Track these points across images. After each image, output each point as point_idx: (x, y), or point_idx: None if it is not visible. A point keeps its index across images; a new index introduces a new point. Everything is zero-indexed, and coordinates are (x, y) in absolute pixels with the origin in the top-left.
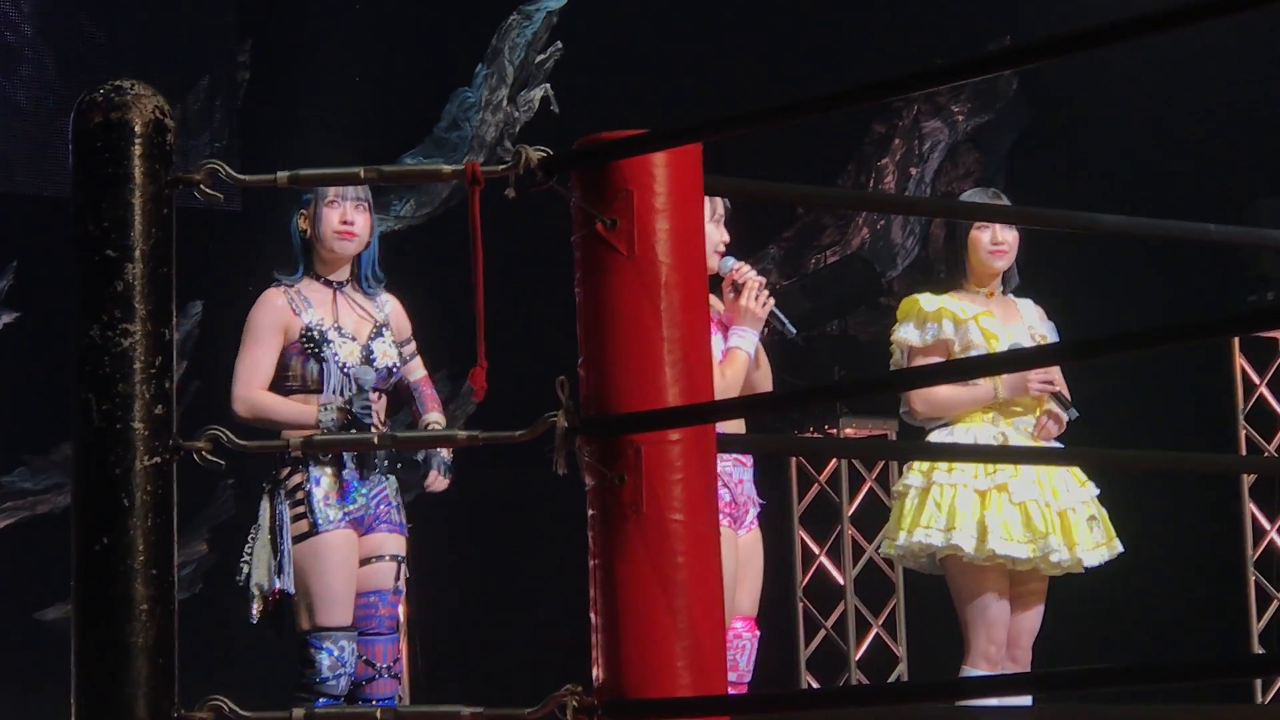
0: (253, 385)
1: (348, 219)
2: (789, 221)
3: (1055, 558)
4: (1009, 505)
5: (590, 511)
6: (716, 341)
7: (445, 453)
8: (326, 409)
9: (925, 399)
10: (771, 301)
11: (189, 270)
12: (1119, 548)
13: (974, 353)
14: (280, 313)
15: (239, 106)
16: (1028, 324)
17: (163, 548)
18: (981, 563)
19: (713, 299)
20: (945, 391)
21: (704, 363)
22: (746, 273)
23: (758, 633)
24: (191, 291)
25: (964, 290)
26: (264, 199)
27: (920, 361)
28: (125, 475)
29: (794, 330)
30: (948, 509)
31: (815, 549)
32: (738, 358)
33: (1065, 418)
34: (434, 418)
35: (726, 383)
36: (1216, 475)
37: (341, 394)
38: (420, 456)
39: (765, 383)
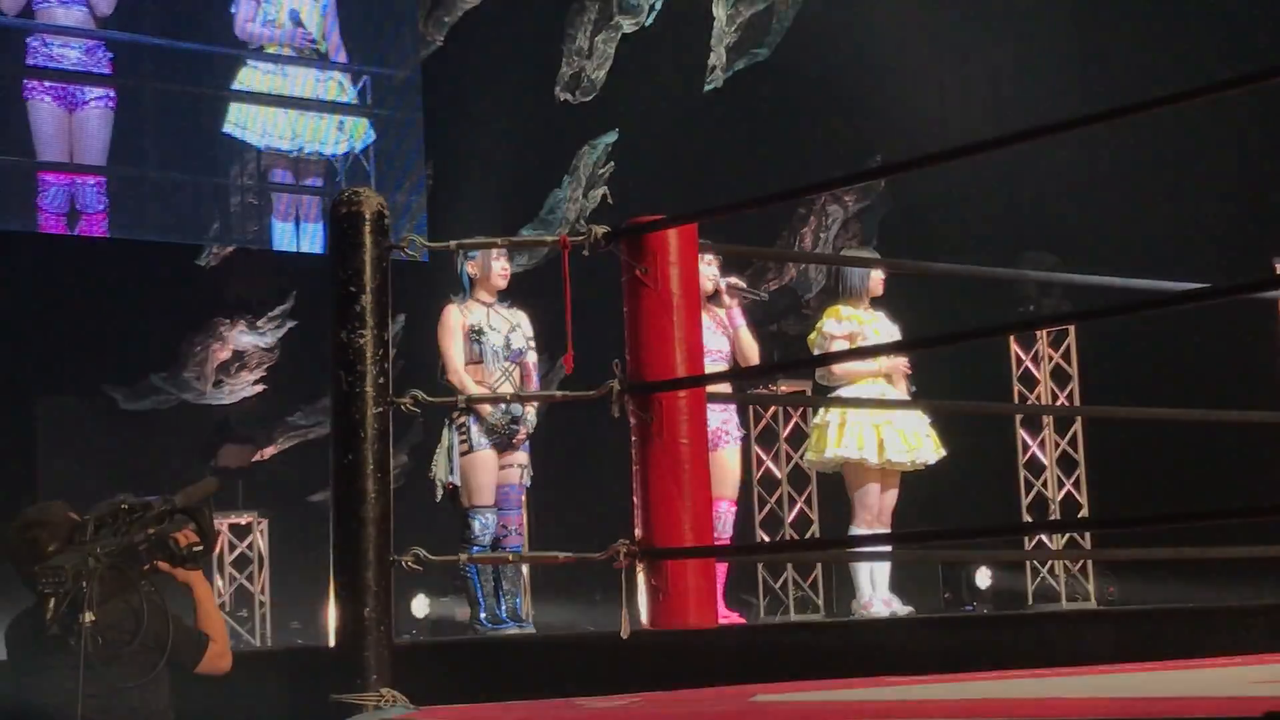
0: (460, 366)
1: (505, 269)
2: (747, 265)
3: (918, 460)
4: (893, 431)
5: (633, 438)
6: (717, 338)
7: (532, 415)
8: (493, 415)
9: (841, 367)
10: (740, 283)
11: (397, 297)
12: (943, 452)
13: (868, 342)
14: (457, 317)
15: (427, 200)
16: (885, 327)
17: (383, 460)
18: (873, 466)
19: (715, 309)
20: (850, 365)
21: (698, 350)
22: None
23: (735, 509)
24: (399, 308)
25: (855, 305)
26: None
27: (838, 345)
28: (361, 420)
29: (762, 295)
30: (856, 434)
31: (764, 456)
32: (745, 332)
33: (912, 390)
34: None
35: (752, 345)
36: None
37: (492, 364)
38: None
39: (752, 351)
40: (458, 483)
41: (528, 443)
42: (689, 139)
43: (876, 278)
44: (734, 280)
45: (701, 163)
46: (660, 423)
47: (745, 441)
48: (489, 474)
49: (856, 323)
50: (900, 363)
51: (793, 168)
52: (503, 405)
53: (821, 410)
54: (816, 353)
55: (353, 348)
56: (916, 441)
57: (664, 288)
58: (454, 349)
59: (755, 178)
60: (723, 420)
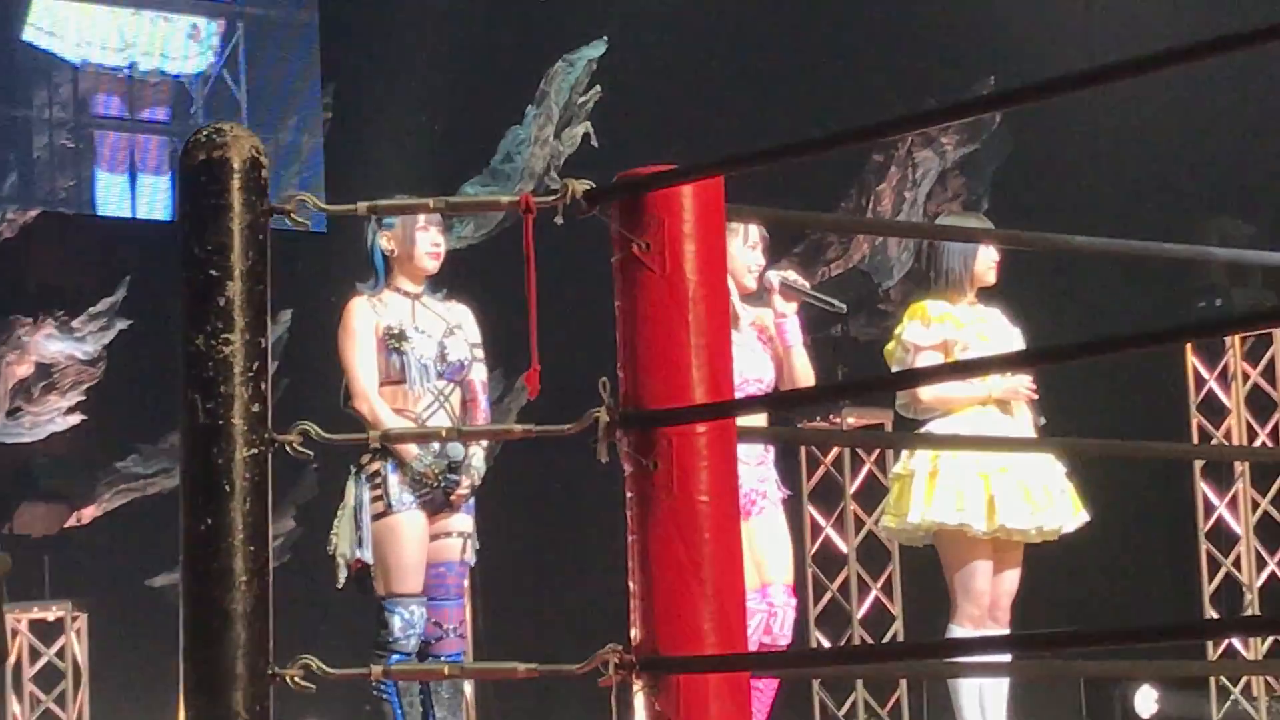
0: (372, 386)
1: (436, 241)
2: (799, 239)
3: (1049, 526)
4: (1010, 484)
5: (628, 494)
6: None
7: (479, 459)
8: (421, 460)
9: (931, 391)
10: (799, 281)
11: (281, 284)
12: (1085, 515)
13: (971, 354)
14: (367, 316)
15: (323, 143)
16: (1000, 330)
17: (259, 527)
18: (981, 535)
19: (755, 311)
20: (946, 388)
21: (725, 365)
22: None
23: (794, 599)
24: (283, 302)
25: (954, 299)
26: (344, 223)
27: (926, 358)
28: (227, 465)
29: (839, 305)
30: (955, 490)
31: (822, 522)
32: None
33: (1040, 422)
34: (476, 455)
35: (808, 373)
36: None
37: (420, 384)
38: (459, 463)
39: (808, 381)
40: (369, 560)
41: (472, 501)
42: (711, 54)
43: (987, 258)
44: (790, 276)
45: (729, 90)
46: (669, 471)
47: (793, 504)
48: (415, 548)
49: (953, 325)
50: (1021, 383)
51: (861, 99)
52: (435, 446)
53: (905, 455)
54: (896, 369)
55: (214, 360)
56: (1045, 499)
57: (675, 272)
58: (362, 361)
59: (806, 113)
60: (759, 477)
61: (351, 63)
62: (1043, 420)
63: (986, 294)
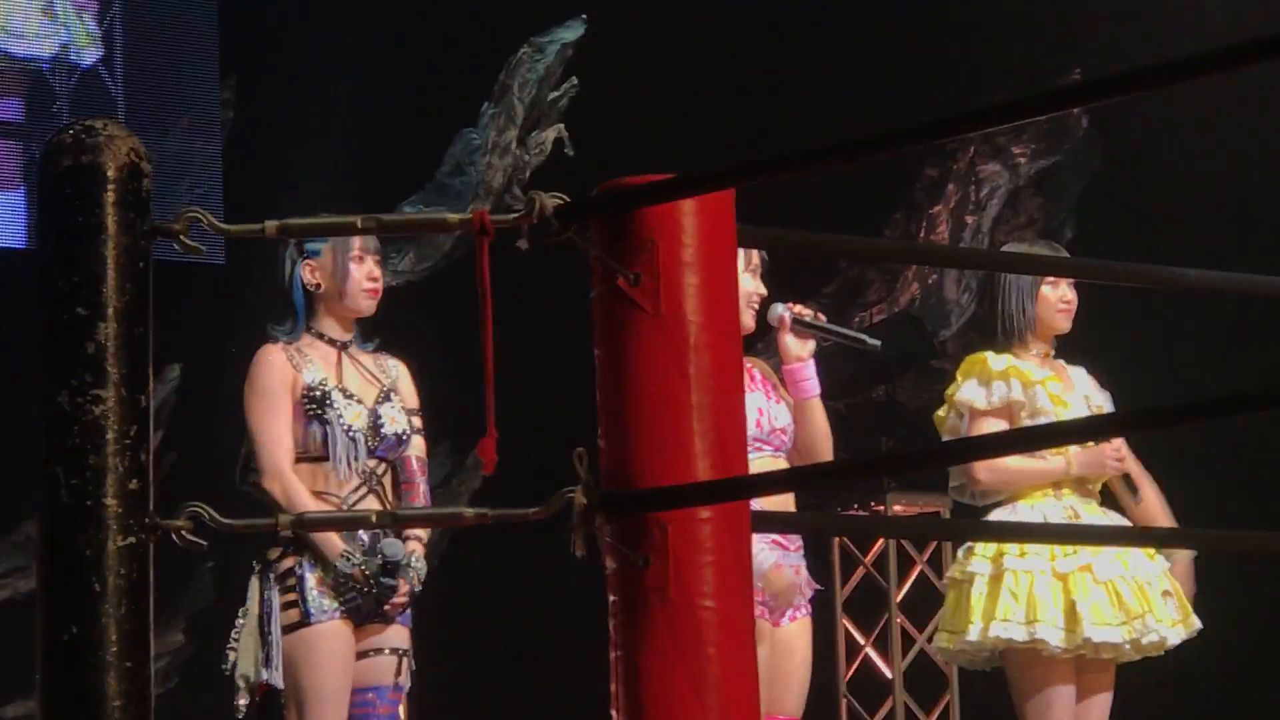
0: (286, 461)
1: (374, 275)
2: (830, 276)
3: (1146, 639)
4: (1095, 586)
5: (611, 598)
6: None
7: (419, 558)
8: (348, 559)
9: (992, 468)
10: (815, 316)
11: (167, 331)
12: (1197, 624)
13: (1042, 420)
14: (283, 370)
15: (222, 149)
16: (1083, 393)
17: (138, 638)
18: (1060, 654)
19: (760, 363)
20: (1014, 462)
21: (737, 432)
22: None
23: None
24: (170, 354)
25: (1021, 352)
26: (250, 251)
27: (985, 425)
28: (96, 557)
29: (874, 342)
30: (1026, 597)
31: (860, 639)
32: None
33: (1134, 502)
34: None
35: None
36: None
37: (348, 462)
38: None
39: (826, 440)
40: (279, 684)
41: (408, 613)
42: (720, 38)
43: (1054, 300)
44: (801, 310)
45: (742, 83)
46: (664, 569)
47: (823, 610)
48: (338, 668)
49: (1020, 383)
50: (1105, 453)
51: (907, 94)
52: (364, 539)
53: (963, 554)
54: (948, 440)
55: (81, 423)
56: (1142, 605)
57: (673, 311)
58: (275, 429)
59: (837, 112)
60: (774, 565)
61: (259, 49)
62: (1138, 499)
63: (1064, 344)
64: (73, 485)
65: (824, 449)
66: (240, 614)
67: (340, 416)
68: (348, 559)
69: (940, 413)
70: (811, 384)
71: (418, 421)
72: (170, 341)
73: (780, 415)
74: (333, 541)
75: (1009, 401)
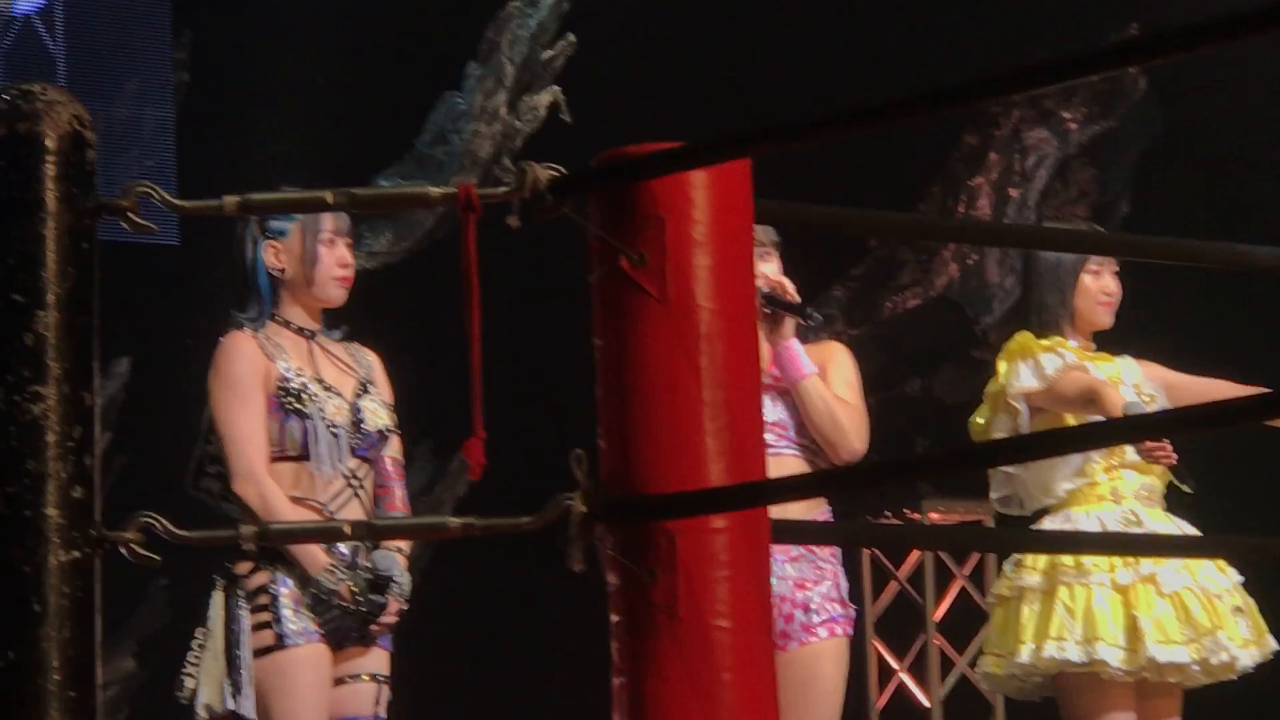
0: (261, 461)
1: (346, 261)
2: (859, 257)
3: (1217, 659)
4: (1159, 599)
5: (614, 616)
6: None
7: (400, 569)
8: (334, 574)
9: (1044, 476)
10: (782, 285)
11: (115, 320)
12: (1273, 645)
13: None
14: (255, 359)
15: (176, 116)
16: (1132, 382)
17: (83, 664)
18: (1120, 675)
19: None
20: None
21: (754, 431)
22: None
23: None
24: (118, 346)
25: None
26: (207, 230)
27: (1068, 381)
28: (36, 574)
29: (813, 317)
30: (1083, 614)
31: (894, 663)
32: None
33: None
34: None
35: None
36: None
37: (331, 462)
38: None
39: (837, 422)
40: (248, 714)
41: (388, 636)
42: None
43: (1096, 291)
44: (772, 280)
45: (758, 43)
46: (673, 584)
47: (854, 631)
48: (315, 696)
49: (1073, 356)
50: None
51: (943, 52)
52: (344, 551)
53: (1010, 568)
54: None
55: (18, 424)
56: (1209, 619)
57: (682, 296)
58: (247, 424)
59: (864, 72)
60: (797, 578)
61: (217, 2)
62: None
63: (1103, 338)
64: (9, 493)
65: (840, 426)
66: (198, 634)
67: (321, 410)
68: (331, 572)
69: (979, 418)
70: (800, 361)
71: (393, 418)
72: (118, 332)
73: (769, 410)
74: (316, 554)
75: (1069, 365)
